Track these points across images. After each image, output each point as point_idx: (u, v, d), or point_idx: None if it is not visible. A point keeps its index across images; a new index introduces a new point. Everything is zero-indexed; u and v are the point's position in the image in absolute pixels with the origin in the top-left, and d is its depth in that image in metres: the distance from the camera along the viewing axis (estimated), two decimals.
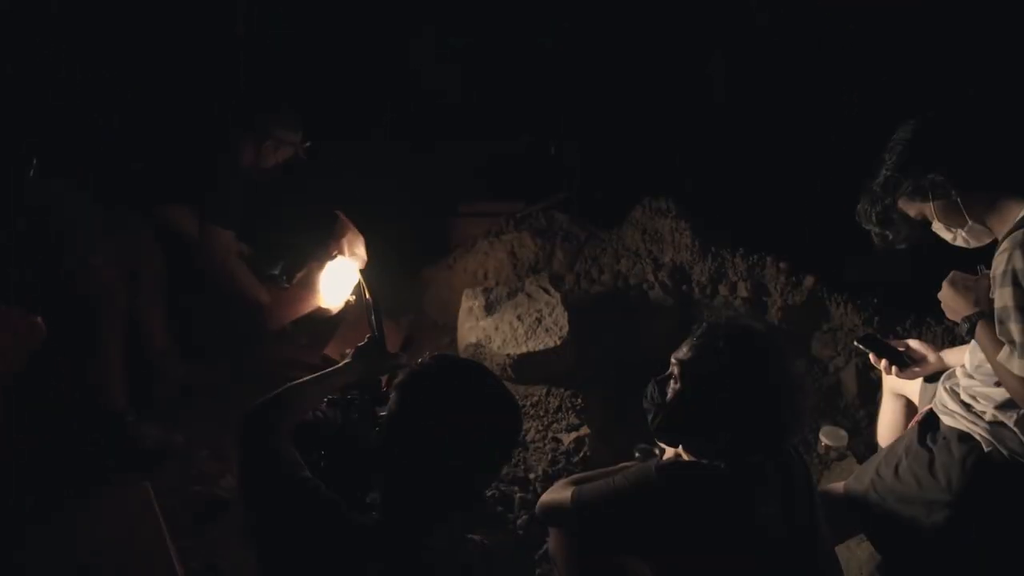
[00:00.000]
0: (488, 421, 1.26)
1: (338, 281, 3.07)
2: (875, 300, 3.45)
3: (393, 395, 1.27)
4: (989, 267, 1.75)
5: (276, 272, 3.21)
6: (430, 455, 1.22)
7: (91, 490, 2.39)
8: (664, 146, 4.04)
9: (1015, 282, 1.58)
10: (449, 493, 1.27)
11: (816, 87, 3.72)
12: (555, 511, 1.73)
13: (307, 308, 3.21)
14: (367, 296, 2.09)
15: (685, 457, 1.61)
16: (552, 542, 1.82)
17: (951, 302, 1.87)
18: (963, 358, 1.97)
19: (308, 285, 3.16)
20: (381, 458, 1.25)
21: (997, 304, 1.64)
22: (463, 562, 1.26)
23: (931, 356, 2.17)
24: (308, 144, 3.16)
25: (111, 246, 2.73)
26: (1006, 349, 1.63)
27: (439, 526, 1.26)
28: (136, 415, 2.89)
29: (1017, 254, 1.59)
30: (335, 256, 3.05)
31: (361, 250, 3.12)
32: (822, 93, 3.71)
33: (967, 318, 1.80)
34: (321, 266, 3.07)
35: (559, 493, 1.73)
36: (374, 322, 1.98)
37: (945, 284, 1.89)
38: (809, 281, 3.52)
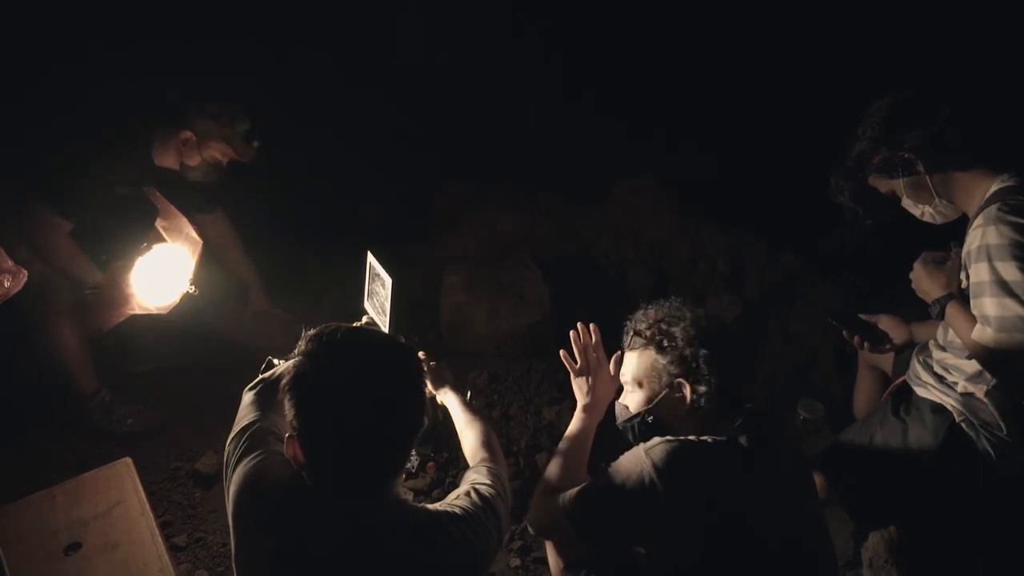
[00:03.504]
0: (382, 394, 1.23)
1: (166, 274, 2.57)
2: (851, 276, 3.50)
3: (287, 399, 1.23)
4: (960, 244, 1.79)
5: (104, 258, 2.62)
6: (338, 440, 1.21)
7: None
8: (647, 123, 4.02)
9: (989, 257, 1.61)
10: (373, 467, 1.26)
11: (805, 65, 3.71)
12: (551, 525, 1.71)
13: (120, 315, 2.66)
14: (387, 278, 1.94)
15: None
16: (550, 556, 1.80)
17: (922, 283, 1.91)
18: (934, 332, 2.02)
19: (115, 288, 2.58)
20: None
21: (972, 279, 1.66)
22: (412, 524, 1.26)
23: (902, 331, 2.21)
24: (255, 144, 2.69)
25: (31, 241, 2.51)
26: (979, 325, 1.65)
27: (378, 493, 1.27)
28: (110, 396, 2.87)
29: (991, 230, 1.61)
30: (149, 247, 2.55)
31: (189, 230, 2.69)
32: (812, 72, 3.71)
33: (937, 300, 1.85)
34: (128, 265, 2.53)
35: (546, 506, 1.70)
36: (388, 307, 1.94)
37: (917, 265, 1.94)
38: (787, 257, 3.56)
